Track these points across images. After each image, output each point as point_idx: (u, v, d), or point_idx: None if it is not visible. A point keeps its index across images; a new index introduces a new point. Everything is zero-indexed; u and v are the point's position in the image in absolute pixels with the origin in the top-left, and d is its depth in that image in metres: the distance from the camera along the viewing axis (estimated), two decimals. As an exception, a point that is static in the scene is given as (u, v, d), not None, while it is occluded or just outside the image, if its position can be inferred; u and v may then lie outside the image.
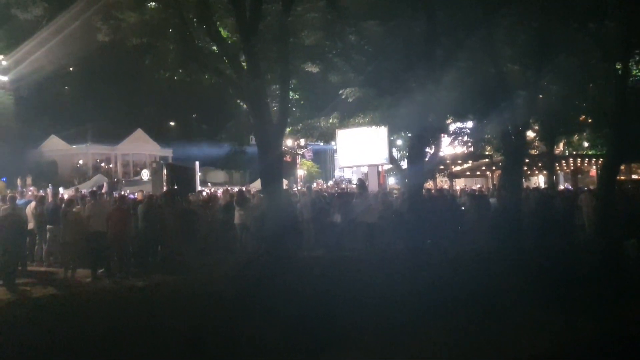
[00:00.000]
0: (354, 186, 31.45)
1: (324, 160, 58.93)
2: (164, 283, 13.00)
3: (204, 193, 23.83)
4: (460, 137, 21.78)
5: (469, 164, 33.04)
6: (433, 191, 21.68)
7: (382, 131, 26.01)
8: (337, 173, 55.27)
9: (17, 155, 40.48)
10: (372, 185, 28.23)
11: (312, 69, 18.28)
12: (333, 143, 34.37)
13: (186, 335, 8.63)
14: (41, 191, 23.51)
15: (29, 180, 33.07)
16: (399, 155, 31.14)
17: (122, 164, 58.23)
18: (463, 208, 19.20)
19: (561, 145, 34.84)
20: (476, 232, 17.88)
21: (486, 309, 9.39)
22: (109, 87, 51.77)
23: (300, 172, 50.64)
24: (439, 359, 7.56)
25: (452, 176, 34.60)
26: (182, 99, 53.95)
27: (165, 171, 22.82)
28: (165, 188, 20.36)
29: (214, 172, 52.09)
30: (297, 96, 24.43)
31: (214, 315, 9.82)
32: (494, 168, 31.58)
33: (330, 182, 45.82)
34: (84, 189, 26.16)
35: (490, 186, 31.52)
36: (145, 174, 45.72)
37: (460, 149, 27.04)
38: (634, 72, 17.87)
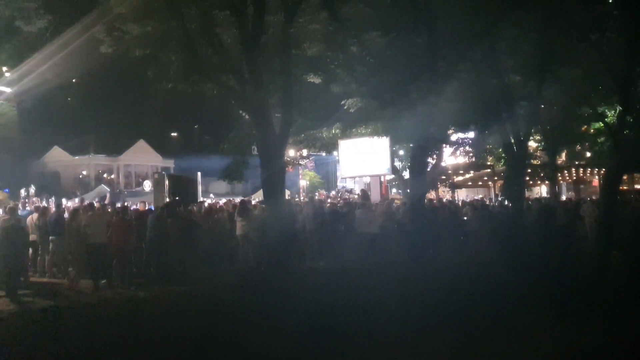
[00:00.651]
0: (356, 196, 31.46)
1: (326, 171, 58.87)
2: (166, 294, 12.98)
3: (206, 204, 23.83)
4: (462, 148, 21.87)
5: (471, 174, 33.05)
6: (435, 201, 21.67)
7: (384, 142, 26.06)
8: (340, 183, 55.20)
9: (20, 166, 40.56)
10: (375, 196, 28.25)
11: (315, 79, 18.34)
12: (335, 153, 34.41)
13: (189, 345, 8.61)
14: (43, 202, 23.52)
15: (32, 191, 33.09)
16: (401, 166, 31.17)
17: (124, 174, 58.17)
18: (465, 218, 19.20)
19: (563, 155, 34.83)
20: (478, 243, 17.87)
21: (488, 319, 9.37)
22: (112, 98, 51.85)
23: (303, 183, 50.59)
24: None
25: (454, 186, 34.57)
26: (184, 110, 54.03)
27: (167, 182, 22.81)
28: (167, 199, 20.35)
29: (216, 182, 51.95)
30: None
31: (216, 325, 9.81)
32: (495, 178, 31.55)
33: (333, 193, 45.76)
34: (87, 200, 26.17)
35: (492, 196, 31.49)
36: (148, 185, 45.70)
37: (462, 159, 27.11)
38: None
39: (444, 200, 28.02)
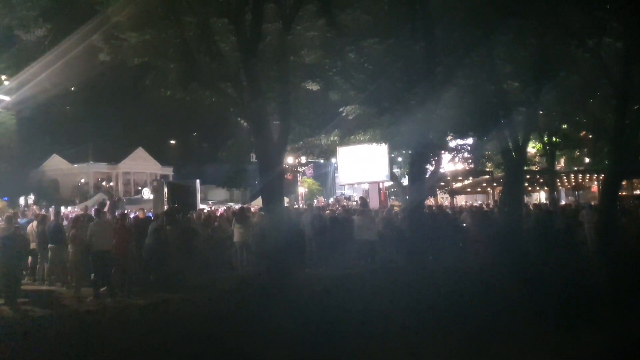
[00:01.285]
0: (354, 203, 31.45)
1: (324, 178, 58.90)
2: (165, 301, 12.94)
3: (205, 211, 23.83)
4: (461, 154, 21.86)
5: (470, 180, 33.04)
6: (434, 208, 21.67)
7: (382, 148, 26.08)
8: (338, 190, 55.24)
9: (19, 174, 40.58)
10: (374, 203, 28.24)
11: (313, 87, 18.36)
12: (334, 160, 34.41)
13: (188, 352, 8.60)
14: (42, 210, 23.51)
15: (31, 199, 33.09)
16: (399, 172, 31.17)
17: (123, 182, 58.25)
18: (464, 225, 19.19)
19: (562, 161, 34.88)
20: (477, 249, 17.86)
21: (487, 325, 9.35)
22: (110, 106, 51.99)
23: (301, 190, 50.63)
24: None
25: (453, 193, 34.56)
26: (182, 117, 54.07)
27: (166, 189, 22.85)
28: (166, 206, 20.36)
29: (214, 190, 52.06)
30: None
31: (215, 333, 9.78)
32: (494, 184, 31.57)
33: (332, 200, 45.77)
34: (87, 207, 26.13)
35: (491, 202, 31.49)
36: (146, 192, 45.80)
37: (460, 166, 27.11)
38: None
39: (444, 205, 27.97)
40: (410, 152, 18.93)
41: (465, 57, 15.43)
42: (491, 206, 26.19)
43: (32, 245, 15.21)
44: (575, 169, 34.20)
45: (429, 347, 8.41)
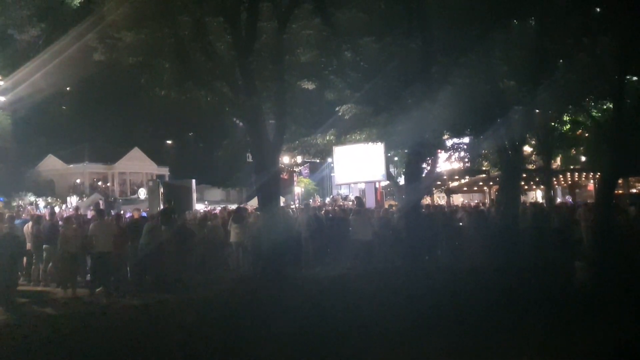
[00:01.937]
0: (350, 203, 31.41)
1: (321, 177, 58.89)
2: (161, 302, 12.90)
3: (201, 211, 23.79)
4: (457, 153, 21.82)
5: (466, 179, 33.03)
6: (431, 207, 21.65)
7: (378, 148, 26.05)
8: (335, 190, 55.22)
9: (15, 175, 40.46)
10: (370, 202, 28.22)
11: (308, 86, 18.31)
12: (330, 160, 34.37)
13: (184, 353, 8.56)
14: (37, 210, 23.46)
15: (27, 200, 33.04)
16: (396, 172, 31.13)
17: (119, 182, 58.18)
18: (461, 224, 19.16)
19: (558, 159, 34.87)
20: (473, 248, 17.84)
21: (484, 324, 9.33)
22: (106, 106, 51.77)
23: (298, 190, 50.56)
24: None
25: (449, 192, 34.57)
26: (178, 117, 53.87)
27: (162, 189, 22.82)
28: (161, 206, 20.30)
29: (210, 190, 52.07)
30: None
31: (211, 333, 9.75)
32: (491, 183, 31.55)
33: (328, 199, 45.74)
34: (82, 208, 26.08)
35: (488, 201, 31.48)
36: (142, 193, 45.70)
37: (457, 165, 27.07)
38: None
39: (441, 203, 27.98)
40: (406, 151, 18.91)
41: (462, 56, 15.40)
42: (488, 205, 26.20)
43: (27, 246, 15.16)
44: (572, 167, 34.20)
45: (425, 346, 8.37)
